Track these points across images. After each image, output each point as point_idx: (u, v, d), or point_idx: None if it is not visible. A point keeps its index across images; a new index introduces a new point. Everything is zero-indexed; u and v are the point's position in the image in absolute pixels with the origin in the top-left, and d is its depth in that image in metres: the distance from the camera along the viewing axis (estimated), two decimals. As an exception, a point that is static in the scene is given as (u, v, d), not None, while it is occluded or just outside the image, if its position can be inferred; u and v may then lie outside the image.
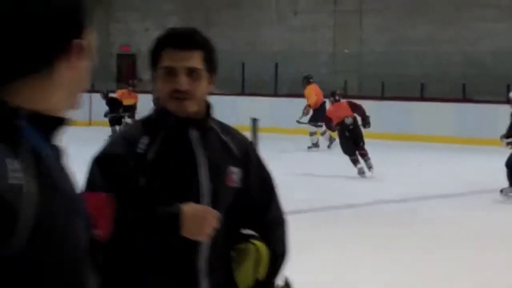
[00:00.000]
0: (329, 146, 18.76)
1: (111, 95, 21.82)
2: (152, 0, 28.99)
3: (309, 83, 19.31)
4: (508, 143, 11.78)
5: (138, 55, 29.26)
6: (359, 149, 13.94)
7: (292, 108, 20.25)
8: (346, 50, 25.15)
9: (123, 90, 22.22)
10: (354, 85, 24.18)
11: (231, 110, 22.45)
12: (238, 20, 27.42)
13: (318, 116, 18.00)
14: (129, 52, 29.50)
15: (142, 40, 29.21)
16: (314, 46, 25.64)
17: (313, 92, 19.01)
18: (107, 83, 27.90)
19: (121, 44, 29.74)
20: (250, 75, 24.49)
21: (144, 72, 28.92)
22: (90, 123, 23.53)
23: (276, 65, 24.41)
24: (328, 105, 16.11)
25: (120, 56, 29.85)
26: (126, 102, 21.71)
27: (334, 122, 14.55)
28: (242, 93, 24.14)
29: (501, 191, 11.52)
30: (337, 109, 14.76)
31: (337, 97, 15.22)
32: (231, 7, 27.59)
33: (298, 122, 19.11)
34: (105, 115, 21.35)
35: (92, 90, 24.41)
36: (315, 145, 18.79)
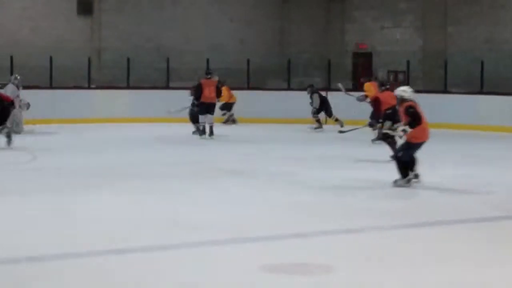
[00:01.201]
0: None
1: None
2: (389, -2, 28.98)
3: None
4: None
5: (374, 53, 29.34)
6: None
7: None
8: None
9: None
10: None
11: (470, 109, 22.15)
12: (477, 17, 26.78)
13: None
14: (365, 51, 29.65)
15: (378, 38, 29.29)
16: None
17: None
18: (343, 81, 28.26)
19: (357, 42, 29.95)
20: (489, 73, 23.88)
21: (380, 70, 28.97)
22: (326, 122, 23.89)
23: (516, 63, 23.68)
24: None
25: (356, 55, 30.07)
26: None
27: None
28: (481, 91, 23.60)
29: (395, 181, 11.37)
30: None
31: None
32: (470, 4, 27.00)
33: None
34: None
35: (328, 88, 24.85)
36: None
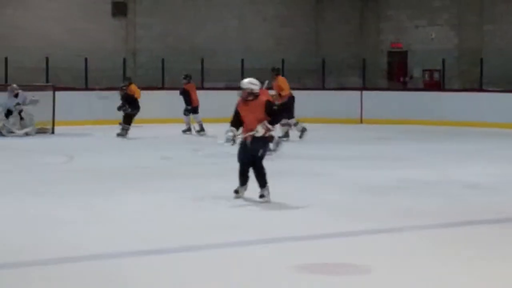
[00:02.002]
0: None
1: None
2: (424, -3, 28.80)
3: None
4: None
5: (410, 52, 29.17)
6: None
7: None
8: None
9: None
10: None
11: (506, 107, 21.92)
12: (514, 14, 26.54)
13: None
14: (400, 50, 29.49)
15: (413, 37, 29.11)
16: None
17: None
18: (377, 80, 28.13)
19: (392, 41, 29.81)
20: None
21: (416, 69, 28.81)
22: (361, 121, 23.81)
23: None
24: None
25: (391, 54, 29.92)
26: None
27: None
28: (517, 90, 23.37)
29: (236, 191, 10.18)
30: None
31: None
32: (506, 2, 26.74)
33: None
34: None
35: (363, 87, 24.76)
36: None
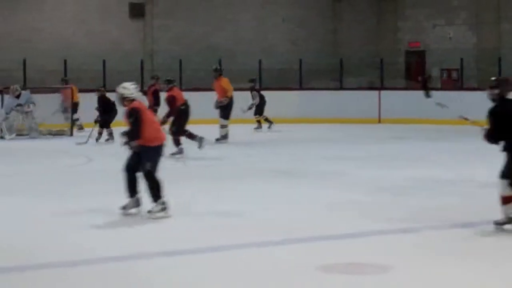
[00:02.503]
0: None
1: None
2: (442, -4, 28.72)
3: None
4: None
5: (427, 51, 29.09)
6: None
7: None
8: None
9: None
10: None
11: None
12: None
13: None
14: (418, 49, 29.42)
15: (431, 36, 29.03)
16: None
17: None
18: (395, 80, 28.05)
19: (410, 40, 29.74)
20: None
21: (433, 68, 28.71)
22: (379, 121, 23.77)
23: None
24: None
25: (408, 53, 29.85)
26: None
27: None
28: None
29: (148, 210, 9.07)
30: None
31: None
32: (524, 0, 26.65)
33: None
34: None
35: (381, 87, 24.70)
36: None
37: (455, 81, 27.09)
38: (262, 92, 21.62)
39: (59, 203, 10.08)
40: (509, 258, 7.22)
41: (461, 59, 24.86)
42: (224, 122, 17.86)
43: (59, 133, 19.57)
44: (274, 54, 27.50)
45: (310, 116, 23.44)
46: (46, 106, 19.73)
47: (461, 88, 24.96)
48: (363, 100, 23.96)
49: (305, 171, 12.98)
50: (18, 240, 7.98)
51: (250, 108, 20.91)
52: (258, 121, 21.29)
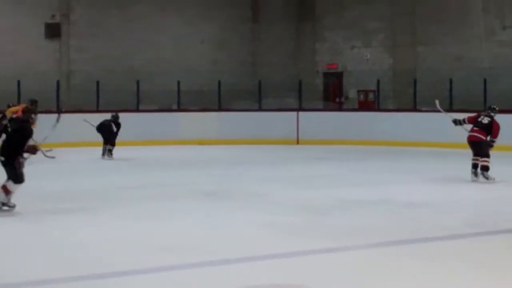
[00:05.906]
0: None
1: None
2: (358, 18, 29.11)
3: None
4: None
5: (345, 72, 29.43)
6: None
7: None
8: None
9: None
10: None
11: (439, 127, 22.19)
12: (445, 35, 27.01)
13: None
14: (336, 70, 29.76)
15: (349, 58, 29.40)
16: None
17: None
18: (314, 101, 28.28)
19: (327, 62, 30.06)
20: (458, 91, 24.02)
21: (351, 90, 29.06)
22: (298, 142, 23.90)
23: (485, 81, 23.79)
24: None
25: (326, 75, 30.15)
26: None
27: None
28: (450, 109, 23.71)
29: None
30: None
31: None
32: (439, 23, 27.20)
33: None
34: None
35: (300, 108, 24.84)
36: None
37: (372, 102, 27.46)
38: (182, 113, 21.49)
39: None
40: (438, 274, 7.25)
41: (378, 81, 25.23)
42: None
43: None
44: (193, 76, 27.40)
45: (229, 138, 23.44)
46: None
47: (377, 109, 25.33)
48: (281, 121, 24.08)
49: (227, 192, 12.89)
50: None
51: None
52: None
